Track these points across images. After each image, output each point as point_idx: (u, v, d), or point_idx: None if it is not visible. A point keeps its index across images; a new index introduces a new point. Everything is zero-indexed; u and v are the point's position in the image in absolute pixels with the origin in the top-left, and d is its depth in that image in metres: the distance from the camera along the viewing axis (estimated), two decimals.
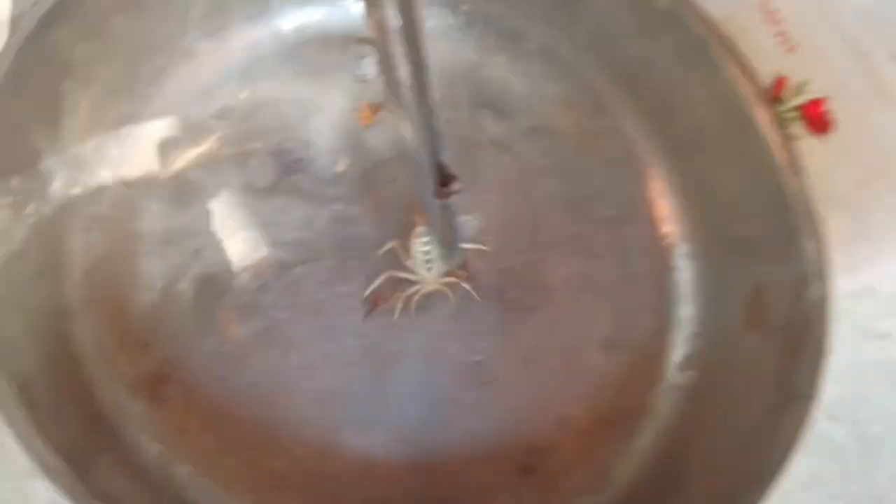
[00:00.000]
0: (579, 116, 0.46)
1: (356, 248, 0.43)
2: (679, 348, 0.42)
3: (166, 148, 0.43)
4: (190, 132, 0.43)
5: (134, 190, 0.43)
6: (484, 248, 0.42)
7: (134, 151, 0.43)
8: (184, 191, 0.43)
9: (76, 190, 0.41)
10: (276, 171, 0.44)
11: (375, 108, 0.44)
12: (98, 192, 0.41)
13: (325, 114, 0.44)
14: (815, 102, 0.39)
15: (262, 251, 0.42)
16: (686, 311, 0.43)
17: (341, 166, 0.44)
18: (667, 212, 0.44)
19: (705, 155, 0.42)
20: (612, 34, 0.44)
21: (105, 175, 0.42)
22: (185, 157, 0.43)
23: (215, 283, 0.41)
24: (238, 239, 0.42)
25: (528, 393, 0.41)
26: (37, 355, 0.36)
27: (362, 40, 0.42)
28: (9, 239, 0.36)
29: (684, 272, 0.44)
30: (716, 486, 0.36)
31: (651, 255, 0.44)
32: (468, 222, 0.43)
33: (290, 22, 0.45)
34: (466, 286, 0.41)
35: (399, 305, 0.40)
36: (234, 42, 0.44)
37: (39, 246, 0.38)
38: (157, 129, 0.43)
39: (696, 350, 0.42)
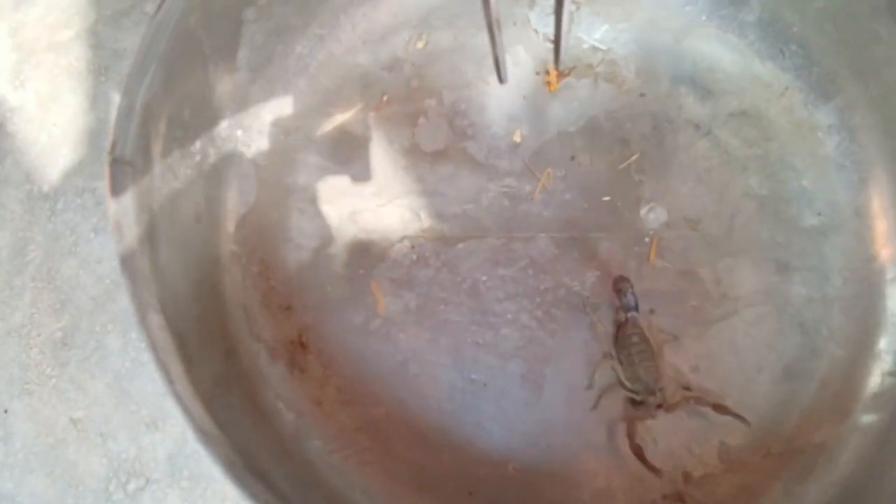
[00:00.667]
0: (795, 104, 0.39)
1: (524, 229, 0.39)
2: (871, 386, 0.37)
3: (331, 98, 0.40)
4: (358, 83, 0.40)
5: (293, 139, 0.40)
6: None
7: (298, 98, 0.40)
8: (344, 146, 0.40)
9: (239, 132, 0.38)
10: (447, 134, 0.40)
11: (564, 73, 0.39)
12: (258, 137, 0.39)
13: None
14: None
15: (424, 222, 0.39)
16: (886, 344, 0.38)
17: (517, 136, 0.40)
18: (883, 229, 0.38)
19: None
20: (854, 11, 0.37)
21: (267, 119, 0.39)
22: (350, 110, 0.40)
23: (369, 251, 0.39)
24: (399, 205, 0.39)
25: (692, 413, 0.37)
26: (194, 306, 0.34)
27: None
28: (174, 174, 0.34)
29: (891, 301, 0.38)
30: None
31: (855, 276, 0.38)
32: (653, 211, 0.38)
33: None
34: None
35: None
36: None
37: (199, 187, 0.36)
38: (324, 76, 0.40)
39: (891, 389, 0.37)
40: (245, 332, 0.37)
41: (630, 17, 0.39)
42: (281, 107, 0.40)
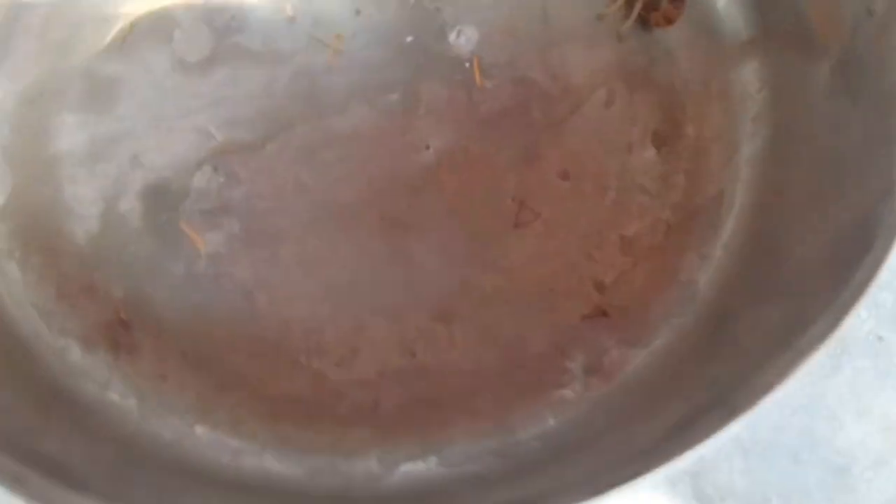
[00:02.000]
0: None
1: (333, 104, 0.33)
2: (749, 111, 0.33)
3: (68, 49, 0.34)
4: (93, 22, 0.34)
5: (39, 107, 0.33)
6: None
7: (31, 60, 0.33)
8: (100, 93, 0.34)
9: None
10: (210, 37, 0.34)
11: None
12: None
13: None
14: None
15: (219, 136, 0.33)
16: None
17: (288, 10, 0.35)
18: None
19: None
20: None
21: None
22: (94, 52, 0.34)
23: (167, 191, 0.32)
24: (183, 130, 0.33)
25: (580, 221, 0.32)
26: None
27: None
28: None
29: None
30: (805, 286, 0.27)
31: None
32: (462, 34, 0.34)
33: None
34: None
35: None
36: None
37: None
38: (54, 28, 0.34)
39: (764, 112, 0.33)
40: (45, 333, 0.30)
41: None
42: (15, 77, 0.33)
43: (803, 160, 0.30)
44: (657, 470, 0.19)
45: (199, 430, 0.29)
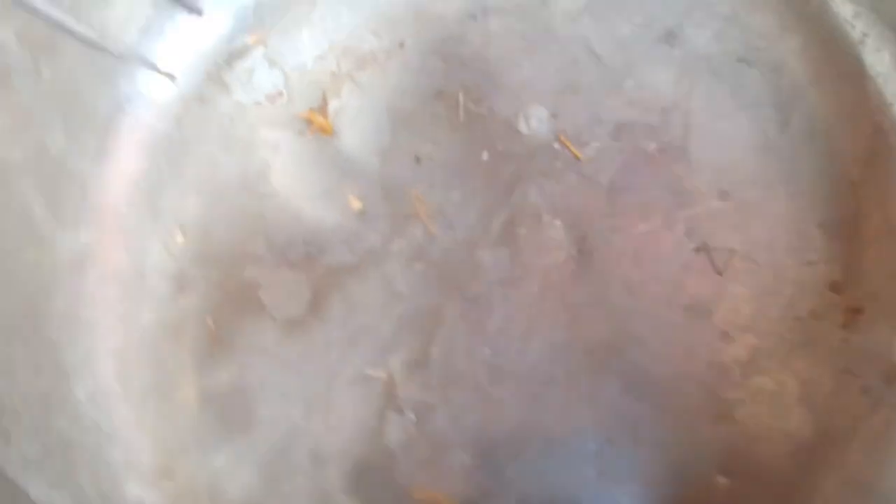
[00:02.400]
0: None
1: (464, 270, 0.30)
2: None
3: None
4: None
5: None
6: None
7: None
8: (227, 410, 0.29)
9: None
10: (297, 277, 0.30)
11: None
12: None
13: None
14: None
15: (378, 374, 0.29)
16: None
17: (353, 203, 0.31)
18: None
19: None
20: None
21: None
22: (190, 375, 0.29)
23: (369, 467, 0.28)
24: (340, 392, 0.29)
25: None
26: None
27: None
28: None
29: None
30: None
31: None
32: (531, 118, 0.31)
33: None
34: None
35: None
36: None
37: None
38: None
39: None
40: None
41: None
42: None
43: None
44: None
45: None
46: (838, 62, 0.30)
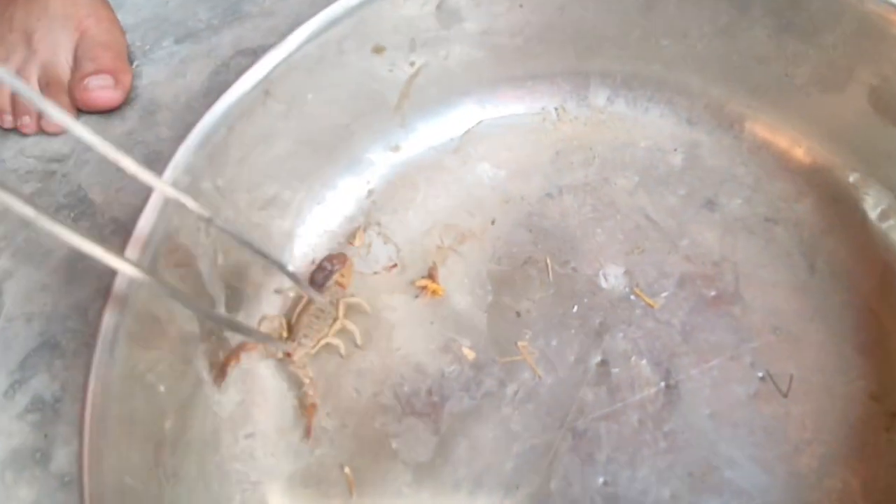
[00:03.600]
0: None
1: (570, 408, 0.35)
2: None
3: None
4: None
5: None
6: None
7: None
8: None
9: None
10: (425, 429, 0.34)
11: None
12: None
13: None
14: None
15: None
16: None
17: (466, 353, 0.36)
18: None
19: None
20: None
21: None
22: None
23: None
24: None
25: None
26: None
27: None
28: None
29: None
30: None
31: None
32: (607, 275, 0.37)
33: None
34: None
35: None
36: None
37: None
38: None
39: None
40: None
41: None
42: None
43: None
44: None
45: None
46: (846, 216, 0.38)
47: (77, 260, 0.39)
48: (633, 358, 0.36)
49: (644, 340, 0.36)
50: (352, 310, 0.36)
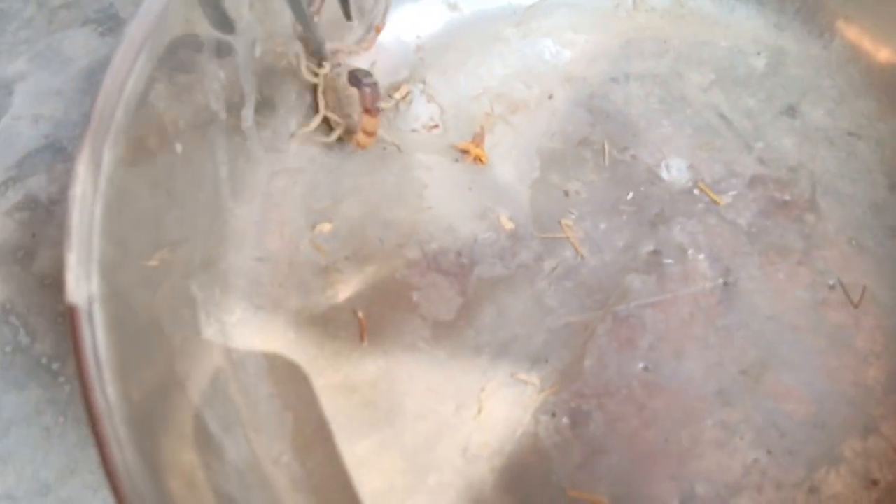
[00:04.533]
0: None
1: (609, 290, 0.31)
2: None
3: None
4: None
5: None
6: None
7: None
8: (383, 404, 0.28)
9: None
10: (450, 285, 0.31)
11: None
12: None
13: None
14: None
15: (532, 381, 0.29)
16: None
17: (504, 222, 0.32)
18: None
19: None
20: None
21: None
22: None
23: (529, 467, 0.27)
24: (496, 395, 0.29)
25: None
26: None
27: None
28: None
29: None
30: None
31: None
32: (669, 168, 0.33)
33: None
34: None
35: None
36: None
37: None
38: None
39: None
40: None
41: None
42: None
43: None
44: None
45: None
46: None
47: (97, 71, 0.36)
48: (689, 251, 0.32)
49: (704, 236, 0.32)
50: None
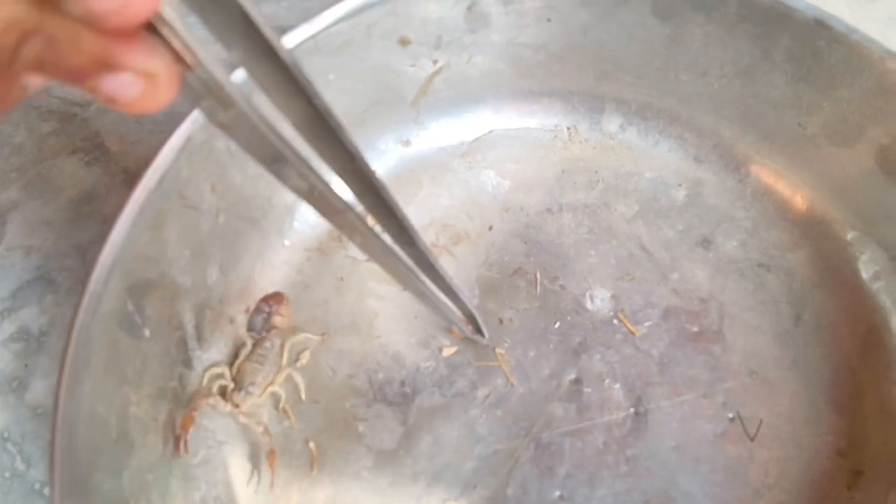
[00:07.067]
0: None
1: (535, 418, 0.35)
2: None
3: None
4: None
5: None
6: None
7: None
8: None
9: None
10: (393, 415, 0.35)
11: None
12: None
13: None
14: None
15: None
16: None
17: (443, 352, 0.36)
18: None
19: None
20: None
21: None
22: None
23: None
24: None
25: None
26: None
27: None
28: None
29: None
30: None
31: None
32: (594, 298, 0.37)
33: None
34: None
35: None
36: None
37: None
38: None
39: None
40: None
41: None
42: None
43: None
44: None
45: None
46: (838, 272, 0.38)
47: (84, 202, 0.40)
48: (606, 381, 0.36)
49: (620, 365, 0.36)
50: (297, 346, 0.36)
